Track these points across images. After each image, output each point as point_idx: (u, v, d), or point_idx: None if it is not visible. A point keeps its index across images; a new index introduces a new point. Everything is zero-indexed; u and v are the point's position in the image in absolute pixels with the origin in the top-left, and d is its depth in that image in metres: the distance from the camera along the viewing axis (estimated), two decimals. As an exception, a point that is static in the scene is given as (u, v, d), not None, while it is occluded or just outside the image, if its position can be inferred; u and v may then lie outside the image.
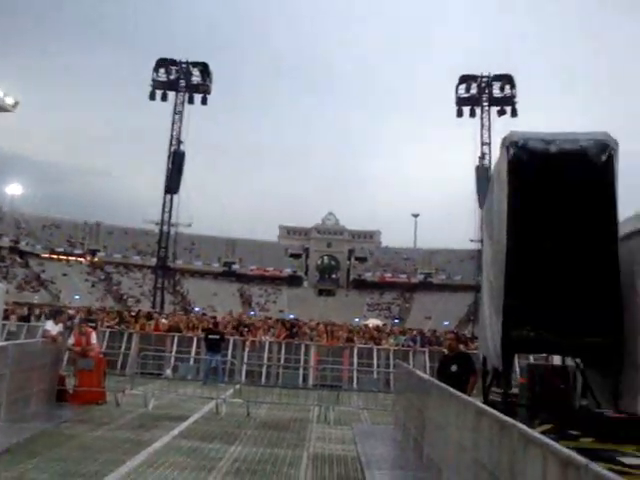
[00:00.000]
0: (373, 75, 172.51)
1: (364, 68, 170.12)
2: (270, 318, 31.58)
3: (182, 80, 56.32)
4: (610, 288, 5.71)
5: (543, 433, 4.22)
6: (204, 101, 56.68)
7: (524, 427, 3.67)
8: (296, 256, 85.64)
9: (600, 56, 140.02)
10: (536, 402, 7.09)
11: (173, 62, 56.65)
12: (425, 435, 7.15)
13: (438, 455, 6.26)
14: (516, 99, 55.66)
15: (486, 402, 6.54)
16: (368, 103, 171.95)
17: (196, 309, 60.11)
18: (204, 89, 56.90)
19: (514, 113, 55.20)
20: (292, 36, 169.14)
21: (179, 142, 55.54)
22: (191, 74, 56.71)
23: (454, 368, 8.28)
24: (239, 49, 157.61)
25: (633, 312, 5.74)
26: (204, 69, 57.18)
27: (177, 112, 55.81)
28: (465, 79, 57.43)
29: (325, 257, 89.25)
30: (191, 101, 56.27)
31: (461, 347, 11.64)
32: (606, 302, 5.71)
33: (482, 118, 56.24)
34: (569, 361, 7.32)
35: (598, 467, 2.60)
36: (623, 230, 5.94)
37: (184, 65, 56.55)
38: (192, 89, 56.48)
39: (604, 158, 5.81)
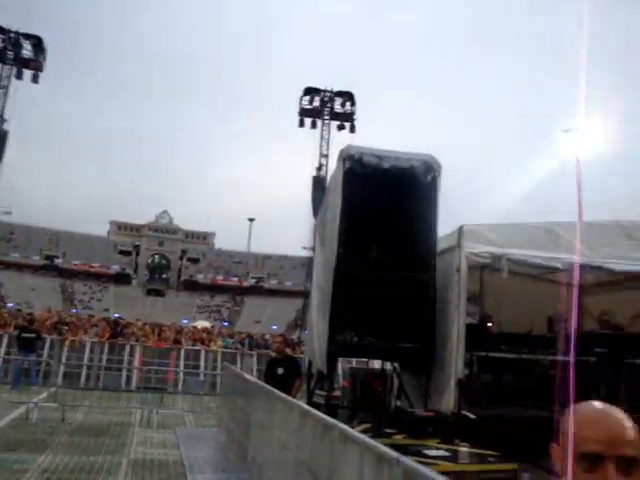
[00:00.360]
0: (227, 78, 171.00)
1: (221, 70, 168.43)
2: (93, 316, 29.81)
3: (10, 52, 51.23)
4: (426, 299, 6.22)
5: (362, 432, 4.50)
6: (35, 79, 52.05)
7: (344, 426, 3.86)
8: (126, 253, 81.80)
9: (437, 82, 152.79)
10: (357, 403, 7.51)
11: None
12: (250, 437, 7.21)
13: (262, 456, 6.34)
14: (355, 116, 58.32)
15: (310, 404, 6.77)
16: (217, 105, 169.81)
17: (9, 304, 54.84)
18: (36, 65, 52.07)
19: (352, 129, 57.77)
20: (151, 29, 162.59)
21: (2, 120, 50.43)
22: (21, 46, 51.77)
23: (280, 371, 8.46)
24: (88, 32, 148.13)
25: (444, 320, 6.32)
26: (37, 43, 52.42)
27: (1, 86, 50.68)
28: (309, 91, 59.02)
29: (156, 256, 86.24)
30: (20, 76, 51.38)
31: (288, 351, 11.90)
32: (422, 311, 6.20)
33: (322, 130, 58.11)
34: (388, 365, 7.84)
35: (407, 460, 2.86)
36: (441, 245, 6.52)
37: (13, 35, 51.50)
38: (21, 63, 51.58)
39: (429, 178, 6.33)
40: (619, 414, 1.30)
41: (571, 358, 6.22)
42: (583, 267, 6.79)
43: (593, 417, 1.30)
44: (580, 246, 6.54)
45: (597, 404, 1.35)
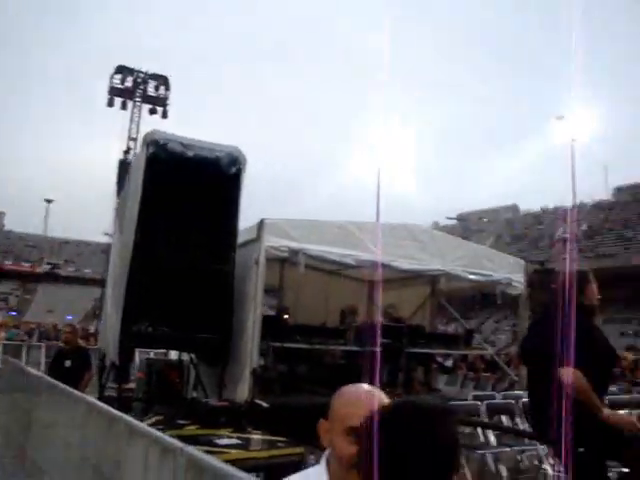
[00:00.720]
0: (35, 47, 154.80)
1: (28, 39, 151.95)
2: None
3: None
4: (225, 290, 6.25)
5: (153, 424, 4.41)
6: None
7: (131, 419, 3.75)
8: None
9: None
10: (152, 395, 7.31)
11: None
12: (30, 437, 6.66)
13: (43, 458, 5.89)
14: (169, 101, 56.52)
15: (102, 398, 6.46)
16: (13, 72, 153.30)
17: None
18: None
19: (165, 115, 55.90)
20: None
21: None
22: None
23: (68, 363, 7.91)
24: None
25: (241, 312, 6.42)
26: None
27: None
28: (121, 70, 55.81)
29: None
30: None
31: (81, 342, 11.20)
32: (221, 302, 6.21)
33: (133, 113, 55.34)
34: (185, 356, 7.75)
35: (192, 449, 2.87)
36: (242, 238, 6.59)
37: None
38: None
39: (234, 170, 6.35)
40: (379, 393, 1.49)
41: (377, 347, 6.69)
42: (374, 264, 7.34)
43: (357, 396, 1.49)
44: (372, 245, 7.07)
45: (361, 385, 1.55)
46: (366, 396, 1.48)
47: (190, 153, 6.12)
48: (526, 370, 3.49)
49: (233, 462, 3.84)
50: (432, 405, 1.07)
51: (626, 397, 7.21)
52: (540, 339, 3.14)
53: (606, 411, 2.78)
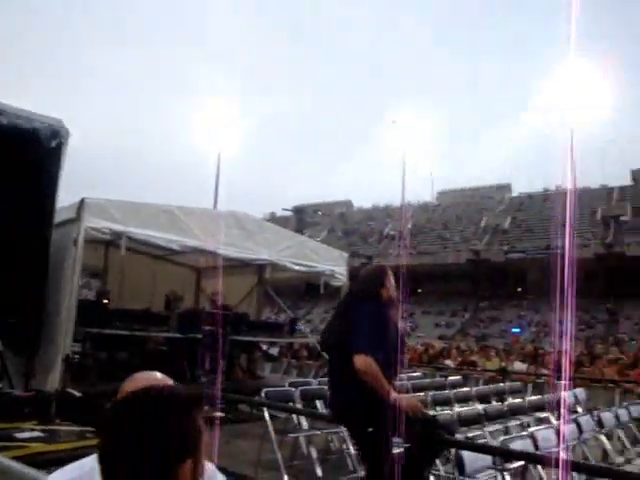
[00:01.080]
0: None
1: None
2: None
3: None
4: (37, 271, 5.84)
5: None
6: None
7: None
8: None
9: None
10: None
11: None
12: None
13: None
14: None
15: None
16: None
17: None
18: None
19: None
20: None
21: None
22: None
23: None
24: None
25: (56, 295, 6.03)
26: None
27: None
28: None
29: None
30: None
31: None
32: (32, 284, 5.80)
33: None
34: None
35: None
36: (61, 217, 6.18)
37: None
38: None
39: (54, 144, 5.93)
40: (166, 380, 1.57)
41: (199, 334, 6.57)
42: (199, 251, 7.30)
43: (144, 382, 1.48)
44: (198, 231, 7.02)
45: (153, 373, 1.62)
46: (152, 383, 1.51)
47: (4, 120, 5.61)
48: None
49: (30, 457, 3.62)
50: (170, 393, 1.11)
51: (427, 381, 7.94)
52: (335, 328, 3.36)
53: (393, 394, 3.05)
